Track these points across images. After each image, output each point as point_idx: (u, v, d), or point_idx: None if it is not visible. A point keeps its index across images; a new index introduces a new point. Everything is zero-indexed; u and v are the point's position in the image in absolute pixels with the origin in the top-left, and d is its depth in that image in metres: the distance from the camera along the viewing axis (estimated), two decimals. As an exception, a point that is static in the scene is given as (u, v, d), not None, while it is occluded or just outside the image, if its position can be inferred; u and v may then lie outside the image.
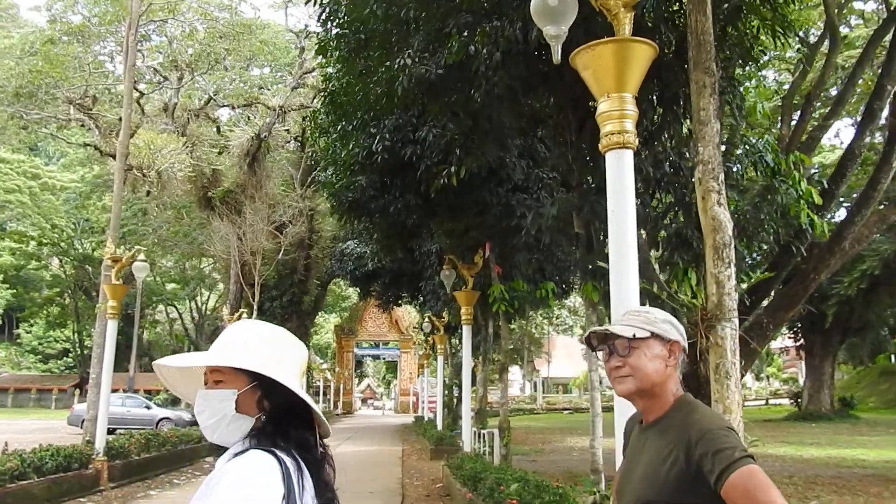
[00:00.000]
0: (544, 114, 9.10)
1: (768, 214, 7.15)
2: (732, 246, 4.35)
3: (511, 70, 6.88)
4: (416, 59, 7.51)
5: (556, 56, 4.57)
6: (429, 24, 7.64)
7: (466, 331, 13.15)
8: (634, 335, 1.82)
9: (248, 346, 1.63)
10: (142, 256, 12.98)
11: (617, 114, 4.19)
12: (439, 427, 21.29)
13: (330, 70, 12.72)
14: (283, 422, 1.60)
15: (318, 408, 1.64)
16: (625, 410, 3.98)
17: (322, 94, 13.74)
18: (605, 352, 1.90)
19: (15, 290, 64.47)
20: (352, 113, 12.27)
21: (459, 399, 27.18)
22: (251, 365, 1.58)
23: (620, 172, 4.21)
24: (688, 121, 7.90)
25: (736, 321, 4.28)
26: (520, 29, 6.36)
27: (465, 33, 6.82)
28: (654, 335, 1.84)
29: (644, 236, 7.88)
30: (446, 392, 24.91)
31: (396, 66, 7.61)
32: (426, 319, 23.67)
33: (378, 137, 11.25)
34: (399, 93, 7.83)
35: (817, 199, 7.25)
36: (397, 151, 11.28)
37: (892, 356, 47.85)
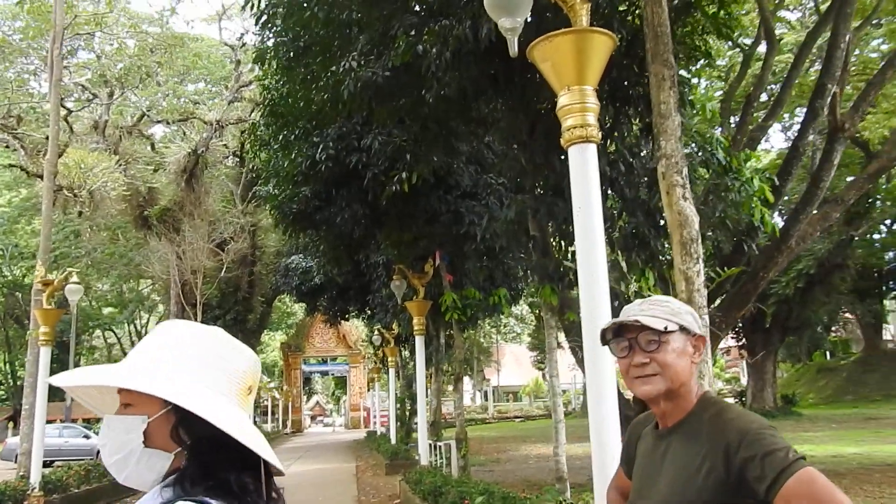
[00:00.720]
0: (493, 118, 8.95)
1: (722, 212, 7.14)
2: (700, 241, 4.22)
3: (462, 70, 6.70)
4: (362, 63, 7.27)
5: (513, 49, 4.40)
6: (372, 26, 7.41)
7: (419, 341, 12.88)
8: (666, 328, 1.61)
9: (162, 359, 1.23)
10: (75, 279, 12.34)
11: (578, 107, 4.03)
12: (393, 441, 20.91)
13: (268, 81, 12.37)
14: (213, 460, 1.18)
15: (261, 442, 1.20)
16: (605, 415, 3.82)
17: (261, 105, 13.37)
18: (622, 347, 1.68)
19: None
20: (293, 123, 11.94)
21: (412, 412, 26.88)
22: (157, 389, 1.17)
23: (585, 167, 4.05)
24: (637, 120, 7.86)
25: (707, 318, 4.16)
26: (469, 27, 6.19)
27: (413, 33, 6.63)
28: (681, 328, 1.64)
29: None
30: (398, 405, 24.55)
31: (341, 71, 7.35)
32: (375, 332, 23.29)
33: (321, 146, 10.96)
34: (345, 97, 7.57)
35: (769, 197, 7.27)
36: (342, 160, 11.01)
37: (828, 353, 49.55)
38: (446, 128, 8.67)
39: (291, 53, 10.62)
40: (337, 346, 61.93)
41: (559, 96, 4.10)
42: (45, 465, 12.74)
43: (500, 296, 12.84)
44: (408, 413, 25.20)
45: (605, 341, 1.72)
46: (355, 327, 59.75)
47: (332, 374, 72.68)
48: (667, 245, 7.08)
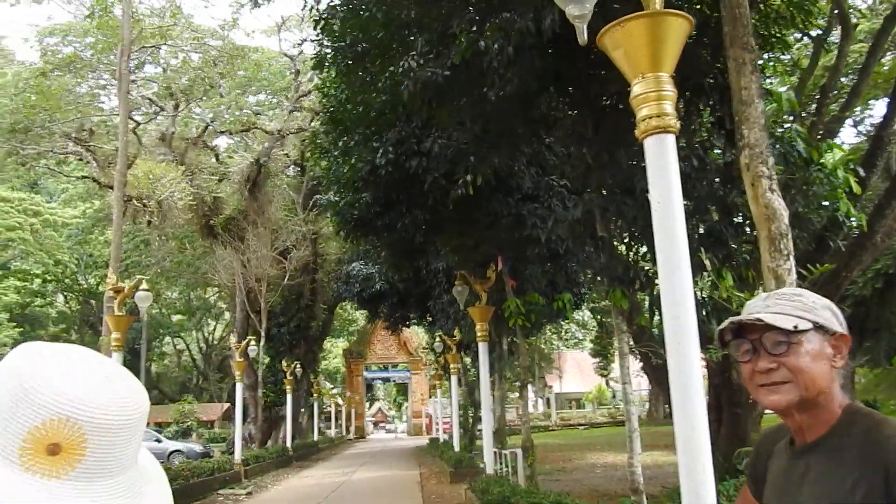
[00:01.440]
0: (554, 117, 8.70)
1: (806, 207, 6.72)
2: (790, 236, 3.89)
3: (524, 65, 6.48)
4: (421, 63, 7.11)
5: (582, 37, 4.16)
6: (431, 26, 7.26)
7: (483, 348, 12.66)
8: (796, 326, 1.36)
9: None
10: (145, 286, 12.56)
11: (654, 95, 3.76)
12: (456, 448, 20.70)
13: (327, 88, 12.39)
14: None
15: None
16: (693, 424, 3.54)
17: (320, 113, 13.40)
18: (744, 350, 1.43)
19: (22, 329, 64.15)
20: (352, 129, 11.90)
21: (476, 419, 26.64)
22: None
23: (663, 159, 3.77)
24: (708, 112, 7.49)
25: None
26: (532, 20, 5.98)
27: (473, 29, 6.44)
28: (816, 326, 1.39)
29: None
30: (461, 412, 24.33)
31: (400, 72, 7.22)
32: (437, 339, 23.14)
33: (381, 151, 10.86)
34: (405, 98, 7.43)
35: (856, 189, 6.81)
36: (402, 165, 10.89)
37: (910, 357, 47.05)
38: (507, 128, 8.44)
39: (349, 59, 10.59)
40: (398, 352, 62.17)
41: (632, 85, 3.84)
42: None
43: (564, 300, 12.53)
44: (471, 420, 24.96)
45: (723, 343, 1.47)
46: (416, 334, 59.91)
47: (394, 381, 72.84)
48: (746, 243, 6.73)
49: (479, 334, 12.71)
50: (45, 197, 60.39)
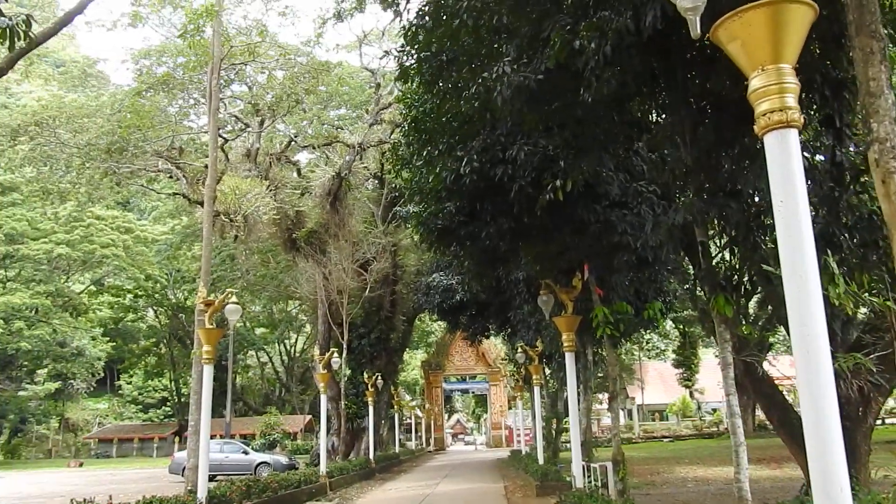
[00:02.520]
0: (645, 121, 8.44)
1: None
2: (929, 236, 3.59)
3: (622, 64, 6.28)
4: (515, 68, 7.00)
5: (695, 30, 3.97)
6: (522, 30, 7.15)
7: (569, 358, 12.40)
8: None
9: None
10: (234, 299, 12.84)
11: (775, 88, 3.55)
12: (540, 461, 20.38)
13: (410, 98, 12.45)
14: None
15: None
16: (826, 438, 3.29)
17: (402, 124, 13.45)
18: None
19: (114, 343, 66.99)
20: (436, 139, 11.91)
21: (559, 431, 26.22)
22: None
23: (785, 155, 3.55)
24: (815, 109, 7.10)
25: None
26: (630, 17, 5.80)
27: (568, 30, 6.29)
28: None
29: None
30: (544, 424, 23.97)
31: (493, 77, 7.12)
32: (518, 349, 22.90)
33: (465, 160, 10.80)
34: (497, 104, 7.33)
35: None
36: (486, 173, 10.80)
37: None
38: (599, 133, 8.24)
39: (435, 68, 10.59)
40: (476, 364, 62.02)
41: (751, 79, 3.64)
42: (209, 479, 13.26)
43: (655, 309, 12.15)
44: (554, 432, 24.57)
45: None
46: (494, 346, 59.66)
47: (473, 393, 72.70)
48: (861, 246, 6.32)
49: (565, 344, 12.46)
50: (135, 215, 63.22)
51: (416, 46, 10.40)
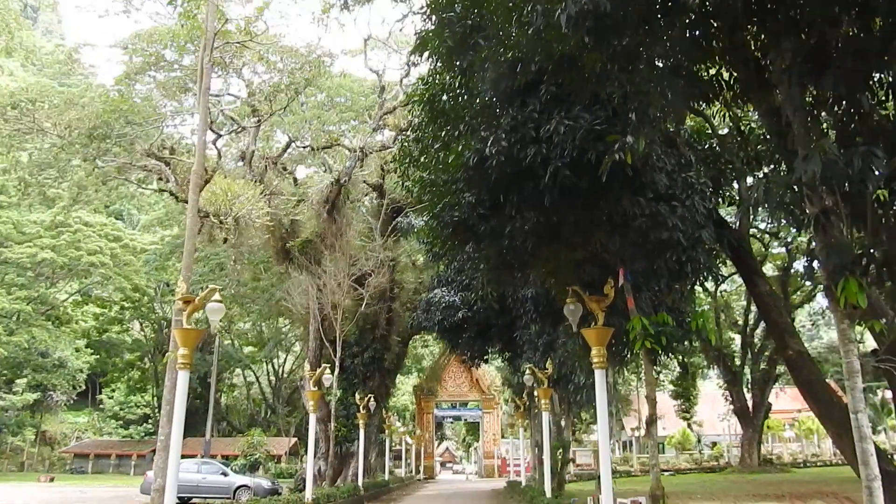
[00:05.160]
0: (720, 81, 6.94)
1: None
2: None
3: None
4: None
5: None
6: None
7: (600, 376, 10.74)
8: None
9: None
10: (217, 297, 11.20)
11: None
12: (548, 493, 18.63)
13: (429, 71, 10.97)
14: None
15: None
16: None
17: (415, 106, 11.89)
18: None
19: (98, 355, 65.14)
20: (456, 119, 10.41)
21: (564, 461, 24.41)
22: None
23: None
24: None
25: None
26: None
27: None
28: None
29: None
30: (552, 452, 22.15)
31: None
32: (526, 371, 21.24)
33: (492, 139, 9.27)
34: (562, 23, 5.77)
35: None
36: (516, 155, 9.26)
37: None
38: (670, 88, 6.73)
39: (458, 35, 9.17)
40: (470, 390, 60.23)
41: None
42: (183, 501, 11.51)
43: (705, 319, 10.54)
44: (560, 462, 22.77)
45: None
46: (488, 372, 57.98)
47: (465, 420, 70.66)
48: None
49: (594, 360, 10.81)
50: (125, 224, 61.62)
51: (438, 5, 8.98)
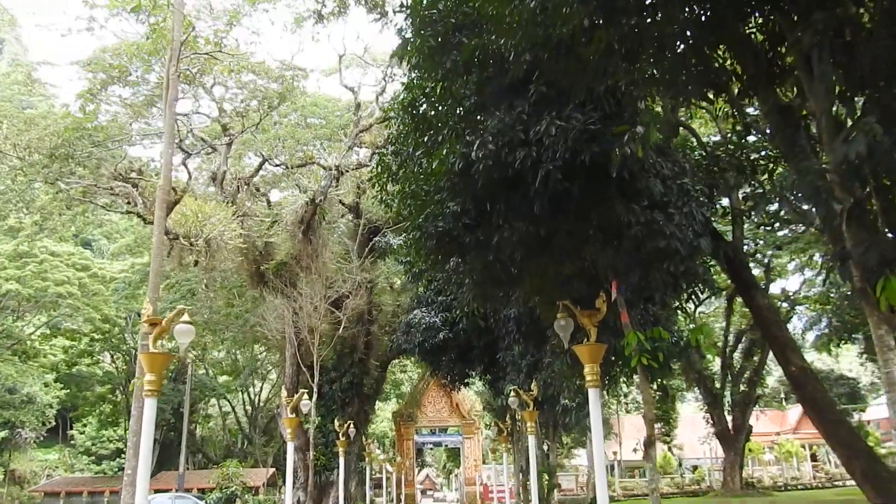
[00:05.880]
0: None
1: None
2: None
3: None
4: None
5: None
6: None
7: (594, 395, 10.13)
8: None
9: None
10: (186, 317, 10.47)
11: None
12: (537, 521, 17.92)
13: (408, 78, 10.45)
14: None
15: None
16: None
17: (395, 112, 11.34)
18: None
19: (68, 390, 63.36)
20: (439, 123, 9.88)
21: (550, 487, 23.75)
22: None
23: None
24: None
25: None
26: None
27: None
28: None
29: None
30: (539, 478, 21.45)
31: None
32: (511, 393, 20.58)
33: (478, 143, 8.73)
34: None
35: None
36: (503, 159, 8.72)
37: None
38: (682, 72, 6.24)
39: (440, 34, 8.67)
40: (450, 415, 59.17)
41: None
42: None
43: (704, 334, 10.00)
44: (546, 488, 22.08)
45: None
46: (468, 397, 57.13)
47: (446, 446, 69.48)
48: None
49: (587, 378, 10.22)
50: (93, 253, 60.21)
51: (418, 3, 8.48)
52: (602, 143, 7.97)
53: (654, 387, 52.92)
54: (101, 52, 19.47)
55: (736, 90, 7.05)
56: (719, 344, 44.14)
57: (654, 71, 6.55)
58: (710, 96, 8.07)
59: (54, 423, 64.91)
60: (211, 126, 25.21)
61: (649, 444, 10.67)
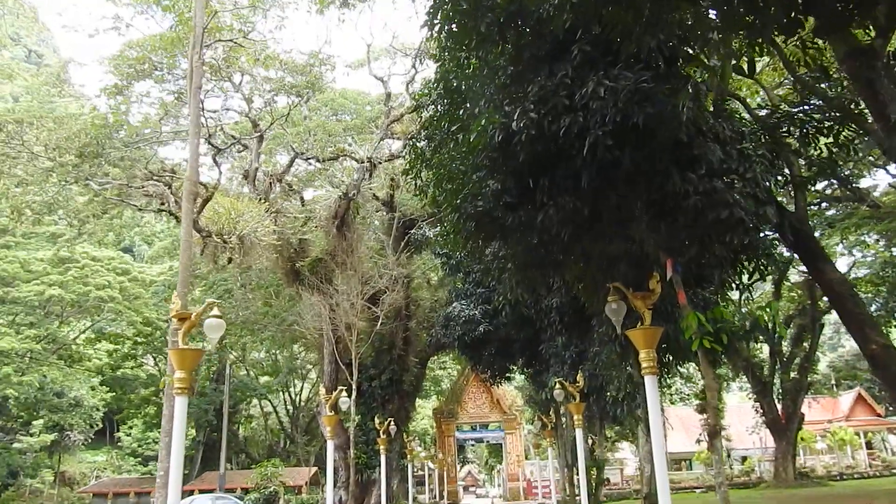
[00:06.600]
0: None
1: None
2: None
3: None
4: None
5: None
6: None
7: (651, 383, 9.37)
8: None
9: None
10: (216, 311, 9.97)
11: None
12: (587, 517, 17.16)
13: (440, 48, 9.78)
14: None
15: None
16: None
17: (432, 83, 10.67)
18: None
19: (113, 392, 64.26)
20: (474, 96, 9.22)
21: (598, 482, 22.96)
22: None
23: None
24: None
25: None
26: None
27: None
28: None
29: None
30: (588, 472, 20.64)
31: None
32: (556, 385, 19.83)
33: (519, 111, 8.04)
34: None
35: None
36: (546, 129, 8.03)
37: None
38: (737, 21, 5.52)
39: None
40: (491, 411, 58.55)
41: None
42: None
43: (774, 311, 9.14)
44: (594, 483, 21.27)
45: None
46: (509, 392, 56.44)
47: (487, 442, 68.82)
48: None
49: (643, 366, 9.48)
50: (132, 257, 60.88)
51: None
52: (655, 104, 7.23)
53: (696, 377, 51.76)
54: (127, 46, 19.23)
55: (807, 33, 6.30)
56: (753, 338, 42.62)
57: (716, 13, 5.83)
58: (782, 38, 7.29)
59: (101, 426, 65.84)
60: (241, 123, 24.88)
61: (714, 434, 9.87)
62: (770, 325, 9.50)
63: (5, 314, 50.77)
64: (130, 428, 68.59)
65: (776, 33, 6.56)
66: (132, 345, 60.46)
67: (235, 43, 17.55)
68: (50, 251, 47.83)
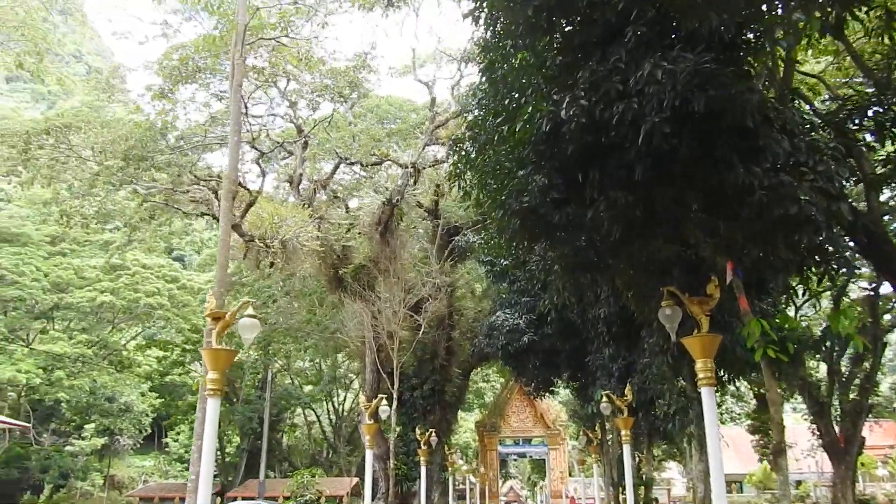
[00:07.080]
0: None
1: None
2: None
3: None
4: None
5: None
6: None
7: (708, 394, 8.70)
8: None
9: None
10: (250, 311, 9.65)
11: None
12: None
13: (487, 34, 9.33)
14: None
15: None
16: None
17: (480, 72, 10.19)
18: None
19: (162, 398, 65.24)
20: (521, 86, 8.73)
21: (647, 501, 22.06)
22: None
23: None
24: None
25: None
26: None
27: None
28: None
29: None
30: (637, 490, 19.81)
31: None
32: (603, 398, 19.11)
33: (569, 99, 7.53)
34: None
35: None
36: (598, 118, 7.49)
37: None
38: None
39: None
40: (535, 425, 57.50)
41: None
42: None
43: (848, 317, 8.36)
44: (642, 501, 20.42)
45: None
46: (552, 406, 55.42)
47: (530, 457, 67.68)
48: None
49: (700, 376, 8.83)
50: (181, 264, 61.82)
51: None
52: (717, 88, 6.65)
53: (748, 396, 49.84)
54: (172, 49, 19.34)
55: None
56: (825, 348, 40.92)
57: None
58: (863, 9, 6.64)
59: (150, 431, 66.84)
60: (286, 131, 24.86)
61: (779, 452, 9.11)
62: (851, 334, 8.53)
63: (60, 319, 52.02)
64: (178, 434, 69.46)
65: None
66: (181, 352, 61.26)
67: (278, 42, 17.46)
68: (102, 258, 48.80)
